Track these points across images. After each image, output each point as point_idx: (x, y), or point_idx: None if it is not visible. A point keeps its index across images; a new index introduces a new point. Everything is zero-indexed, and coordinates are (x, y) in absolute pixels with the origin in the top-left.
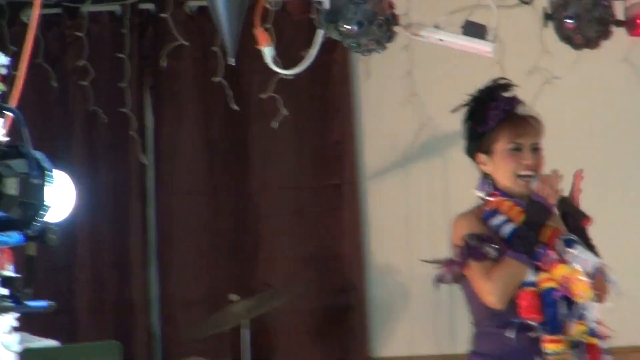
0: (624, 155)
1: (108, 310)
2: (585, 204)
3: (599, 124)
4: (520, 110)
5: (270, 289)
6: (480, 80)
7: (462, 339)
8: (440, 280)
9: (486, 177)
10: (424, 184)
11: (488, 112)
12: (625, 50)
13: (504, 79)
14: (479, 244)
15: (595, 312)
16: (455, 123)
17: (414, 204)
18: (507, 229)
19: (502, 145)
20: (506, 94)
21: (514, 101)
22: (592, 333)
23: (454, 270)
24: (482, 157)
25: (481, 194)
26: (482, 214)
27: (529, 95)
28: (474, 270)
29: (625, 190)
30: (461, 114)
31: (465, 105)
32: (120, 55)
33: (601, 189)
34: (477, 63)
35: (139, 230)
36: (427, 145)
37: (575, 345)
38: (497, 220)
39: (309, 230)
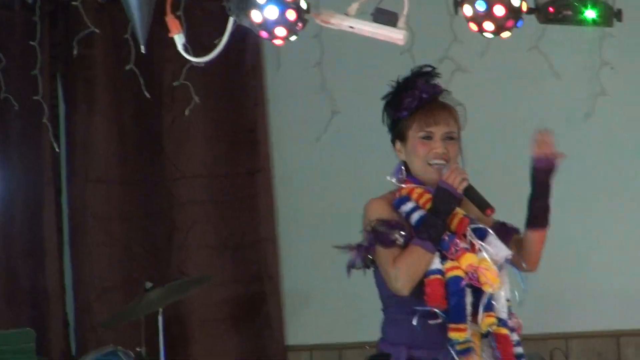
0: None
1: (22, 299)
2: (493, 193)
3: (510, 111)
4: (442, 98)
5: (185, 277)
6: (390, 69)
7: (375, 326)
8: (351, 265)
9: (402, 165)
10: (336, 171)
11: (404, 99)
12: (535, 38)
13: (429, 66)
14: (387, 230)
15: (504, 302)
16: (366, 111)
17: (327, 191)
18: (416, 216)
19: (414, 132)
20: (429, 82)
21: (433, 89)
22: (503, 323)
23: (363, 256)
24: (398, 144)
25: (394, 180)
26: (394, 200)
27: (441, 83)
28: (381, 257)
29: None
30: (372, 103)
31: (390, 93)
32: (32, 43)
33: (510, 178)
34: (387, 51)
35: (53, 219)
36: (338, 132)
37: (484, 335)
38: (407, 206)
39: (223, 219)
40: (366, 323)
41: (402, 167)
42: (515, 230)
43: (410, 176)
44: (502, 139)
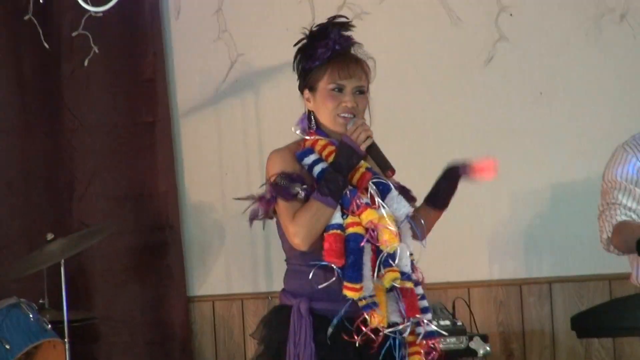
0: (432, 88)
1: None
2: (392, 143)
3: (410, 58)
4: (354, 51)
5: (86, 227)
6: (290, 16)
7: (277, 277)
8: (253, 217)
9: (309, 114)
10: (237, 121)
11: (317, 49)
12: None
13: (342, 16)
14: (288, 184)
15: (407, 257)
16: (266, 59)
17: (227, 140)
18: (319, 168)
19: (325, 83)
20: (342, 33)
21: (347, 41)
22: (407, 277)
23: (265, 207)
24: (307, 93)
25: (298, 131)
26: (297, 151)
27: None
28: (282, 210)
29: (435, 122)
30: (273, 51)
31: (302, 40)
32: None
33: (406, 123)
34: None
35: None
36: (239, 81)
37: (389, 290)
38: (309, 159)
39: (123, 169)
40: (268, 273)
41: (311, 117)
42: (413, 199)
43: (316, 127)
44: (402, 87)
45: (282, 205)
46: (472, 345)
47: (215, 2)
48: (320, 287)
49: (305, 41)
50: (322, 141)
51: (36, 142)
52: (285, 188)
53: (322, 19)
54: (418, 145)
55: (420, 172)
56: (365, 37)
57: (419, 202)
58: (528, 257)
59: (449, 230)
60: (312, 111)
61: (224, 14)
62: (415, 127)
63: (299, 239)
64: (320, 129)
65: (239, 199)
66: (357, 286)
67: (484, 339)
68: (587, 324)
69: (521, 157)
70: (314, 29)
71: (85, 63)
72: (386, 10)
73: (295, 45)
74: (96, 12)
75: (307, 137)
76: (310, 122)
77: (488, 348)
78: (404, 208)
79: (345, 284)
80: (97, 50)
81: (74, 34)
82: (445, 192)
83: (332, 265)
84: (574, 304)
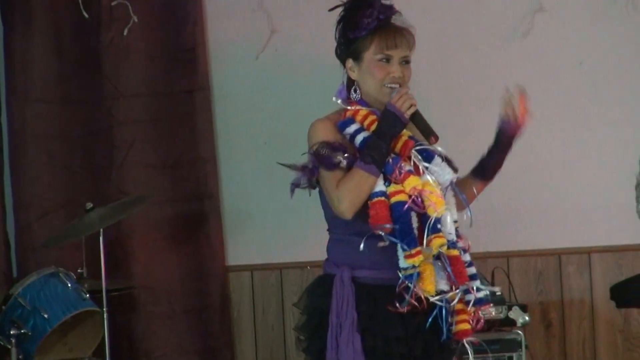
0: (470, 59)
1: None
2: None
3: (446, 29)
4: (395, 20)
5: (125, 196)
6: None
7: (317, 246)
8: (296, 185)
9: (350, 84)
10: (275, 90)
11: (362, 18)
12: None
13: None
14: (330, 153)
15: (452, 224)
16: (305, 30)
17: (267, 109)
18: (361, 137)
19: (371, 54)
20: (383, 2)
21: (390, 10)
22: (452, 245)
23: (307, 177)
24: (350, 62)
25: (339, 101)
26: (338, 121)
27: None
28: (325, 179)
29: (474, 93)
30: (312, 20)
31: (340, 6)
32: None
33: (446, 95)
34: None
35: None
36: (278, 50)
37: (436, 257)
38: (351, 128)
39: (163, 137)
40: (307, 243)
41: (355, 87)
42: (455, 170)
43: (359, 97)
44: (441, 58)
45: (324, 175)
46: (511, 314)
47: None
48: (380, 245)
49: (346, 10)
50: (363, 111)
51: (75, 112)
52: (327, 157)
53: None
54: (458, 116)
55: (460, 143)
56: (407, 7)
57: (462, 174)
58: (567, 227)
59: (488, 199)
60: (355, 81)
61: None
62: (454, 98)
63: (343, 207)
64: (361, 99)
65: (282, 164)
66: (414, 251)
67: (523, 308)
68: (626, 293)
69: (560, 127)
70: None
71: (125, 32)
72: None
73: (330, 10)
74: None
75: (349, 107)
76: (354, 91)
77: (527, 318)
78: (448, 174)
79: (405, 252)
80: (136, 20)
81: (113, 3)
82: (495, 164)
83: (380, 231)
84: (613, 274)
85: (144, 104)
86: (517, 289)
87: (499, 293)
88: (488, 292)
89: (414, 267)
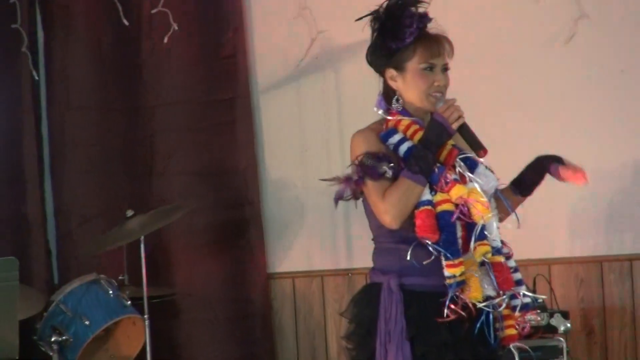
0: (512, 66)
1: (4, 227)
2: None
3: (487, 35)
4: (429, 28)
5: (166, 204)
6: None
7: (358, 254)
8: (339, 197)
9: (388, 94)
10: (317, 97)
11: (403, 28)
12: None
13: None
14: (375, 163)
15: (496, 231)
16: (347, 35)
17: (308, 117)
18: (405, 147)
19: (415, 64)
20: (417, 10)
21: (426, 18)
22: (497, 252)
23: (352, 188)
24: (392, 72)
25: (380, 112)
26: (380, 132)
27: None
28: (371, 190)
29: (515, 101)
30: (354, 27)
31: (372, 17)
32: None
33: (487, 101)
34: None
35: (33, 147)
36: (319, 58)
37: (481, 264)
38: (394, 139)
39: (203, 145)
40: (348, 250)
41: (397, 97)
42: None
43: (400, 107)
44: (481, 65)
45: (370, 185)
46: (553, 322)
47: None
48: (424, 263)
49: (384, 20)
50: (405, 121)
51: (116, 119)
52: (372, 167)
53: None
54: (498, 124)
55: (499, 150)
56: (445, 14)
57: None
58: (609, 234)
59: (530, 207)
60: (397, 90)
61: None
62: (494, 105)
63: (390, 217)
64: (403, 109)
65: (324, 179)
66: (457, 261)
67: (565, 315)
68: None
69: (602, 134)
70: (389, 6)
71: (165, 40)
72: None
73: (357, 20)
74: None
75: (390, 117)
76: (396, 101)
77: (569, 324)
78: (493, 181)
79: (446, 262)
80: (176, 27)
81: (153, 11)
82: (531, 181)
83: (427, 241)
84: None
85: (184, 112)
86: (559, 296)
87: (540, 301)
88: (535, 299)
89: (457, 276)
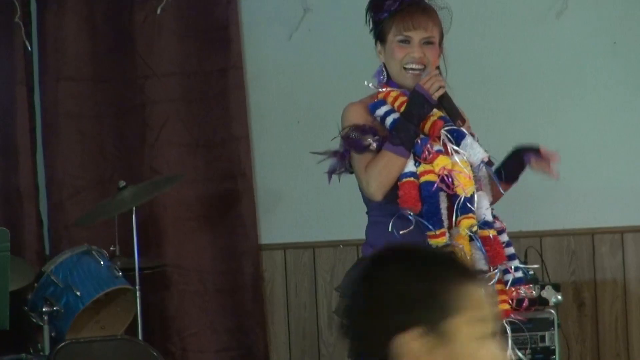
0: (503, 39)
1: None
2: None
3: (478, 10)
4: (423, 1)
5: (157, 175)
6: None
7: (350, 225)
8: (332, 171)
9: (382, 67)
10: (309, 70)
11: (384, 1)
12: None
13: None
14: (360, 136)
15: (486, 204)
16: (339, 10)
17: (301, 88)
18: (391, 119)
19: (392, 36)
20: None
21: None
22: (487, 225)
23: (340, 161)
24: (378, 45)
25: (370, 85)
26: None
27: None
28: (355, 162)
29: (507, 74)
30: (345, 1)
31: None
32: None
33: (478, 76)
34: None
35: (25, 117)
36: (312, 30)
37: (471, 238)
38: (381, 110)
39: (196, 116)
40: (340, 221)
41: (383, 70)
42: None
43: (390, 80)
44: (473, 38)
45: (355, 157)
46: (544, 294)
47: None
48: (401, 233)
49: None
50: (394, 92)
51: (108, 90)
52: (357, 140)
53: None
54: (489, 97)
55: (491, 125)
56: None
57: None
58: (600, 207)
59: (521, 179)
60: (383, 63)
61: None
62: (486, 79)
63: (372, 189)
64: (392, 81)
65: (315, 152)
66: (439, 232)
67: (556, 288)
68: None
69: (594, 107)
70: None
71: (158, 11)
72: None
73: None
74: None
75: (380, 90)
76: (380, 74)
77: (560, 297)
78: (479, 153)
79: (429, 233)
80: None
81: None
82: (512, 171)
83: (409, 212)
84: None
85: (176, 83)
86: (550, 268)
87: (531, 272)
88: (528, 272)
89: (439, 247)
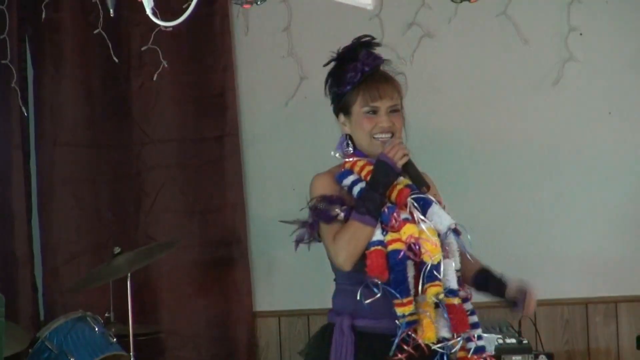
0: (500, 108)
1: None
2: (458, 161)
3: (478, 78)
4: (381, 70)
5: (153, 241)
6: (358, 34)
7: None
8: (299, 240)
9: (346, 137)
10: (304, 137)
11: (346, 73)
12: (504, 4)
13: (368, 36)
14: (328, 206)
15: (452, 272)
16: None
17: (295, 156)
18: (358, 188)
19: (358, 107)
20: (370, 53)
21: (376, 60)
22: (454, 294)
23: (309, 232)
24: (342, 117)
25: (337, 155)
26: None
27: (408, 49)
28: (324, 232)
29: (504, 142)
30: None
31: (331, 61)
32: (0, 6)
33: (476, 143)
34: (355, 16)
35: (21, 183)
36: (308, 98)
37: (437, 305)
38: (348, 180)
39: (191, 183)
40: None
41: (348, 141)
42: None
43: (355, 149)
44: (469, 106)
45: (323, 228)
46: None
47: (284, 19)
48: (366, 302)
49: (334, 66)
50: (360, 162)
51: (104, 156)
52: (324, 211)
53: (391, 37)
54: (488, 165)
55: (489, 192)
56: (434, 56)
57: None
58: (594, 276)
59: (515, 249)
60: (348, 134)
61: (292, 30)
62: (484, 147)
63: (341, 259)
64: (358, 151)
65: (284, 222)
66: (406, 300)
67: (550, 357)
68: None
69: (589, 177)
70: (342, 51)
71: (155, 77)
72: (455, 29)
73: (324, 65)
74: (166, 27)
75: (347, 160)
76: (347, 145)
77: None
78: (446, 221)
79: (395, 301)
80: (166, 65)
81: (143, 48)
82: (488, 291)
83: (377, 281)
84: None
85: (173, 149)
86: (544, 337)
87: (525, 341)
88: (522, 341)
89: (405, 315)
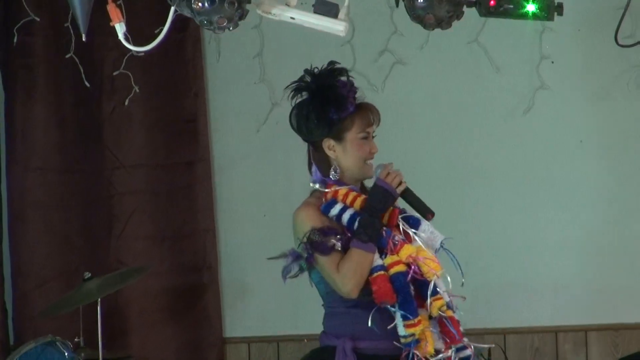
0: (472, 136)
1: None
2: (430, 187)
3: (449, 105)
4: (360, 97)
5: (123, 267)
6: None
7: (314, 320)
8: (286, 272)
9: (325, 163)
10: (276, 163)
11: (344, 98)
12: (476, 32)
13: (337, 63)
14: (323, 238)
15: (445, 284)
16: None
17: (266, 182)
18: (347, 216)
19: (354, 133)
20: (347, 80)
21: (355, 88)
22: (448, 306)
23: (307, 265)
24: (330, 142)
25: (317, 186)
26: (320, 205)
27: (381, 75)
28: (324, 264)
29: (475, 170)
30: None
31: (298, 87)
32: None
33: (448, 171)
34: (328, 43)
35: None
36: (279, 124)
37: (430, 317)
38: (335, 209)
39: (162, 208)
40: (305, 316)
41: (335, 166)
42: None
43: (333, 178)
44: (441, 133)
45: (321, 260)
46: None
47: (256, 46)
48: (389, 327)
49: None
50: (342, 190)
51: (75, 181)
52: (321, 243)
53: (363, 64)
54: (459, 193)
55: (459, 219)
56: (405, 84)
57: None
58: (564, 305)
59: (485, 276)
60: (334, 159)
61: (264, 57)
62: (455, 175)
63: (349, 288)
64: (332, 180)
65: (272, 258)
66: (416, 320)
67: None
68: None
69: (560, 205)
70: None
71: (126, 102)
72: (427, 57)
73: (286, 88)
74: (138, 52)
75: (327, 190)
76: (334, 171)
77: None
78: (437, 236)
79: (405, 322)
80: (137, 90)
81: (115, 73)
82: None
83: (386, 304)
84: (609, 353)
85: (144, 175)
86: None
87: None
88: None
89: (415, 334)
